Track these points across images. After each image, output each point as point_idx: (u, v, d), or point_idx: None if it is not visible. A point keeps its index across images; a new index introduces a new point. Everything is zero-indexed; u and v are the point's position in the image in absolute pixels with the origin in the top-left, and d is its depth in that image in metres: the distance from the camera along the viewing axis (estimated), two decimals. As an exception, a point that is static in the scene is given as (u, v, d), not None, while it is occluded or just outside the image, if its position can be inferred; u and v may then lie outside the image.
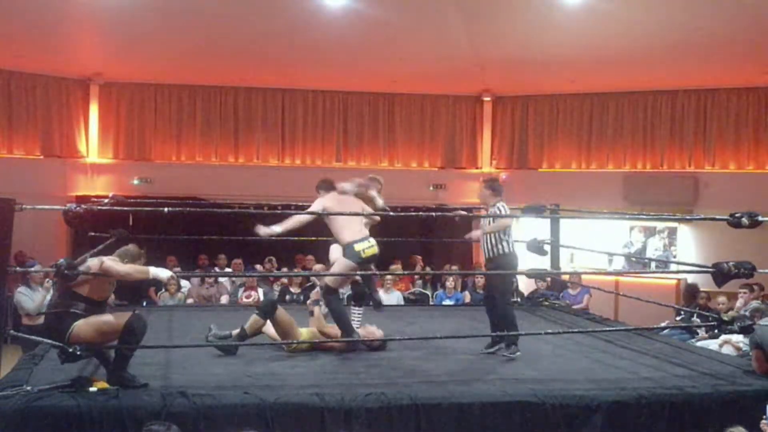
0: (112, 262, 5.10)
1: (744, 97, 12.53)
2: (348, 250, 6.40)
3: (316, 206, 6.59)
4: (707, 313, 8.58)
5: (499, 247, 6.53)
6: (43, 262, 9.80)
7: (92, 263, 5.08)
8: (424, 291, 11.34)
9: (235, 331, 6.39)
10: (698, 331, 8.50)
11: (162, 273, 5.17)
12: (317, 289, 7.46)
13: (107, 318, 5.07)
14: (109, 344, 5.09)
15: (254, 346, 6.29)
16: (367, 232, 6.61)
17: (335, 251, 6.95)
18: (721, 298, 9.07)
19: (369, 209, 6.81)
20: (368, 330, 6.70)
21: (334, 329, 6.57)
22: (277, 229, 6.52)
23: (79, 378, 4.90)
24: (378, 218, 6.93)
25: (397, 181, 13.37)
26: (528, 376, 5.66)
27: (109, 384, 4.91)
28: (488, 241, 6.58)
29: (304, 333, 6.52)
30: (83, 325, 4.94)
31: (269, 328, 6.43)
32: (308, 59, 11.76)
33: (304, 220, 6.60)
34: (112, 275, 5.06)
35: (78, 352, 4.85)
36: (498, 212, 6.56)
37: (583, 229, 11.40)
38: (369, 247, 6.42)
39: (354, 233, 6.44)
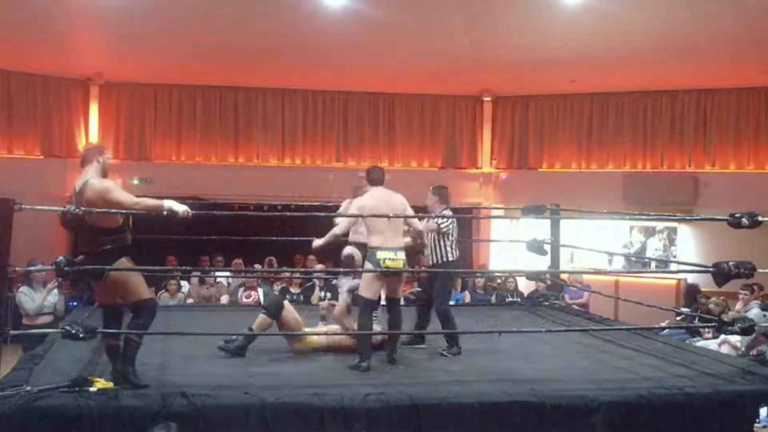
0: (118, 193, 4.96)
1: (744, 97, 12.53)
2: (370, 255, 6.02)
3: (357, 205, 6.19)
4: (708, 316, 8.61)
5: (443, 253, 6.64)
6: (43, 262, 9.79)
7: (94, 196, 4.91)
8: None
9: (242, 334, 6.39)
10: (700, 331, 8.52)
11: (177, 206, 5.03)
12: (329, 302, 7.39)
13: (140, 282, 5.12)
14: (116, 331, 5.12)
15: (255, 346, 6.29)
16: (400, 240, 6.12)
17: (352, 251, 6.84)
18: (713, 299, 9.09)
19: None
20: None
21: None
22: (320, 241, 6.59)
23: (79, 378, 4.90)
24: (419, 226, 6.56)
25: (397, 181, 13.39)
26: (528, 376, 5.66)
27: (113, 378, 4.94)
28: (434, 248, 6.66)
29: (312, 342, 6.50)
30: (119, 274, 4.99)
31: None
32: (308, 59, 11.75)
33: (348, 224, 6.45)
34: (119, 206, 4.93)
35: (81, 335, 4.86)
36: (442, 219, 6.57)
37: (583, 229, 11.40)
38: (391, 258, 5.96)
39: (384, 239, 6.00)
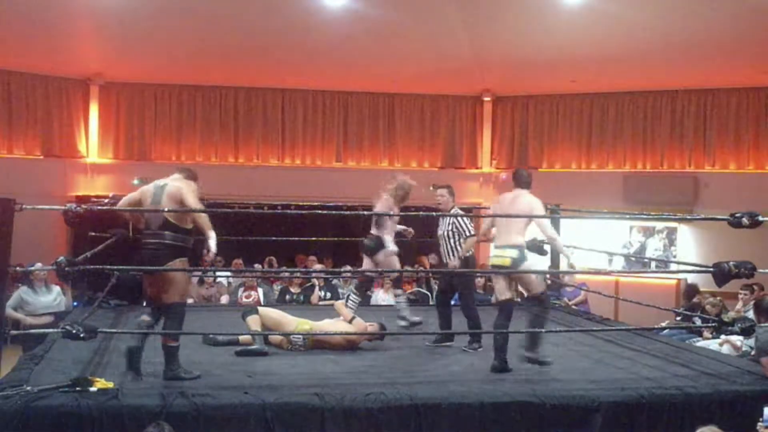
0: (192, 196, 5.43)
1: (744, 97, 12.52)
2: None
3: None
4: (706, 316, 8.60)
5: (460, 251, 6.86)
6: (43, 263, 9.78)
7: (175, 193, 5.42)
8: (424, 291, 11.34)
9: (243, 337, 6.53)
10: (699, 330, 8.51)
11: (214, 245, 5.40)
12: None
13: (187, 283, 5.78)
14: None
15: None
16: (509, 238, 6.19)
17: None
18: (710, 299, 9.08)
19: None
20: (358, 323, 6.79)
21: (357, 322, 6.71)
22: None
23: (79, 378, 4.90)
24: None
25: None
26: (528, 376, 5.66)
27: (165, 379, 5.24)
28: (453, 246, 6.91)
29: (303, 323, 6.65)
30: (177, 274, 5.43)
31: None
32: (308, 59, 11.76)
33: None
34: (186, 204, 5.38)
35: (81, 335, 4.88)
36: (460, 217, 6.89)
37: (583, 229, 11.40)
38: (497, 255, 6.20)
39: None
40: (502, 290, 6.23)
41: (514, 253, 6.07)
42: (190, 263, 5.62)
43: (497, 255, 6.17)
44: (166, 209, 5.38)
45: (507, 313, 6.13)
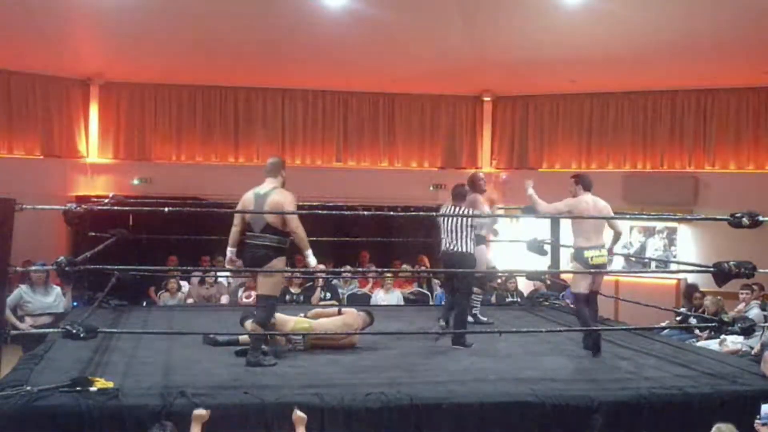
0: (291, 208, 6.00)
1: (744, 97, 12.51)
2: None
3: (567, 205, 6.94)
4: (705, 316, 8.60)
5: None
6: (44, 263, 9.78)
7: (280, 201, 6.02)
8: (424, 291, 11.34)
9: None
10: (697, 330, 8.51)
11: (313, 259, 6.04)
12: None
13: (281, 281, 6.65)
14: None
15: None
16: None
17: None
18: (710, 297, 9.08)
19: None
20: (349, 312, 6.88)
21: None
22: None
23: (80, 378, 4.90)
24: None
25: (397, 181, 13.44)
26: (528, 376, 5.66)
27: (247, 365, 5.73)
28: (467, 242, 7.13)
29: (301, 321, 6.70)
30: (276, 268, 6.04)
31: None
32: (308, 59, 11.75)
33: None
34: (291, 219, 5.95)
35: (81, 335, 4.89)
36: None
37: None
38: (597, 255, 6.70)
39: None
40: (588, 284, 6.77)
41: (606, 252, 6.76)
42: (287, 263, 6.33)
43: (600, 255, 6.70)
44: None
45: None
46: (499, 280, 10.25)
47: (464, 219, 6.98)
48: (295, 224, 5.96)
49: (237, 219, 6.29)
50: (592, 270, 6.64)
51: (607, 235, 6.97)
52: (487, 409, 4.93)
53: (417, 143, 13.93)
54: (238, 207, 6.25)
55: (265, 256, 5.99)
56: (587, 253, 6.64)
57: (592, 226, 6.69)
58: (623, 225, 12.84)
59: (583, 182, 6.94)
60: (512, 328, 7.59)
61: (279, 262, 6.05)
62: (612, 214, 6.99)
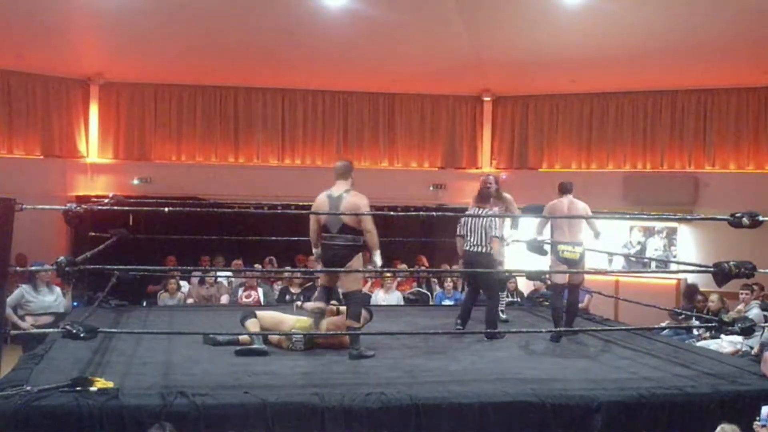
0: (366, 211, 6.23)
1: (744, 97, 12.52)
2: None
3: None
4: (706, 315, 8.59)
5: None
6: (44, 263, 9.79)
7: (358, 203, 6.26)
8: (424, 291, 11.34)
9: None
10: (696, 330, 8.51)
11: (379, 260, 6.39)
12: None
13: (362, 276, 6.90)
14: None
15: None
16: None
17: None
18: (712, 296, 9.08)
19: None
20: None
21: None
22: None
23: (80, 378, 4.90)
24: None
25: (397, 181, 13.43)
26: (528, 376, 5.66)
27: (350, 356, 6.04)
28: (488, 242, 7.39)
29: (301, 321, 6.66)
30: (356, 265, 6.35)
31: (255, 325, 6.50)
32: (308, 59, 11.76)
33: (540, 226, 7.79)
34: (366, 221, 6.23)
35: (82, 335, 4.88)
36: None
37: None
38: (569, 250, 7.33)
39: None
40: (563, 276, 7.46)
41: (581, 249, 7.36)
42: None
43: (572, 250, 7.30)
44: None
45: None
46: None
47: (490, 220, 7.25)
48: (370, 225, 6.26)
49: (312, 221, 6.52)
50: (567, 266, 7.27)
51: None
52: (487, 409, 4.92)
53: (417, 143, 13.94)
54: (313, 209, 6.51)
55: (347, 255, 6.30)
56: (560, 247, 7.33)
57: (566, 224, 7.32)
58: (623, 225, 13.01)
59: (560, 188, 7.61)
60: (512, 328, 7.59)
61: (357, 260, 6.37)
62: (590, 215, 7.55)
